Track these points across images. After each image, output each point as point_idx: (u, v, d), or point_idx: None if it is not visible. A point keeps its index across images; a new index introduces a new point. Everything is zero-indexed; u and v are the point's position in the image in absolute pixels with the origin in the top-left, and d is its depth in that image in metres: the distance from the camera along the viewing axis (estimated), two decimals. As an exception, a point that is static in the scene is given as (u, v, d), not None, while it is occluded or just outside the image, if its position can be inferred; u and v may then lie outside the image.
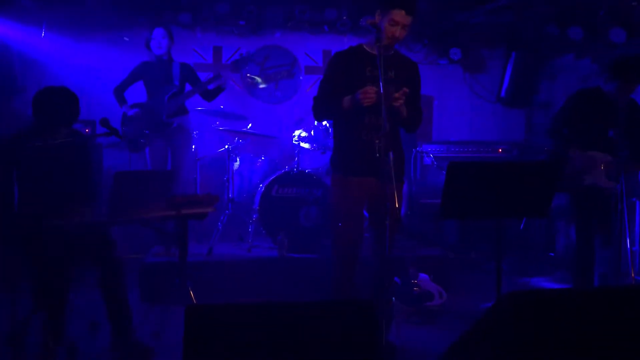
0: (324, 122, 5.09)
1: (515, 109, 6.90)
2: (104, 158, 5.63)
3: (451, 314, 4.14)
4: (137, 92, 5.21)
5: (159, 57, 5.00)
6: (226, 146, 5.37)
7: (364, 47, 3.36)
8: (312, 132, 5.18)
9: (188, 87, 5.11)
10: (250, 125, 5.69)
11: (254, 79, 5.35)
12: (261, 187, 5.08)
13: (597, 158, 3.88)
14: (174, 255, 4.48)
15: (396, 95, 3.09)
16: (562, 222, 5.77)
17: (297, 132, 5.25)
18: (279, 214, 4.92)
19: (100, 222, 3.15)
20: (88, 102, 3.31)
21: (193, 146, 5.47)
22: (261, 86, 5.02)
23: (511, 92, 6.57)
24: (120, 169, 5.12)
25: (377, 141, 2.98)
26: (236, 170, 5.52)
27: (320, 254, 4.79)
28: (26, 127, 3.38)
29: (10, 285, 3.07)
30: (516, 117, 7.03)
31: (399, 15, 3.14)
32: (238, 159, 5.55)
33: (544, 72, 6.64)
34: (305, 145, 5.21)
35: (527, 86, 6.61)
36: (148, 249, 4.96)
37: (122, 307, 3.29)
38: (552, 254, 5.77)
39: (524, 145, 6.34)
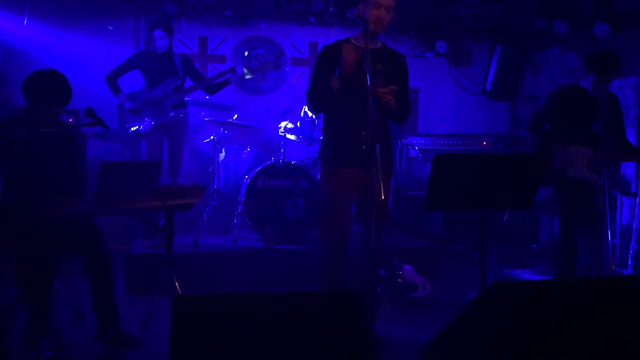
0: (311, 114, 5.09)
1: (500, 101, 6.94)
2: (94, 148, 5.58)
3: (435, 305, 4.19)
4: (128, 81, 5.17)
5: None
6: (212, 137, 5.35)
7: (352, 40, 3.36)
8: (298, 124, 5.18)
9: (188, 80, 5.09)
10: (236, 116, 5.67)
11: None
12: (247, 179, 5.07)
13: (579, 151, 3.94)
14: (159, 246, 4.47)
15: (384, 90, 3.09)
16: (545, 215, 5.84)
17: (283, 124, 5.24)
18: (265, 205, 4.91)
19: (85, 212, 3.13)
20: (72, 91, 3.28)
21: None
22: (247, 77, 5.00)
23: (496, 85, 6.60)
24: (112, 159, 5.09)
25: (364, 133, 2.99)
26: (222, 161, 5.50)
27: (306, 246, 4.80)
28: (10, 116, 3.35)
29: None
30: (501, 109, 7.08)
31: None
32: (224, 150, 5.53)
33: (529, 65, 6.69)
34: (291, 137, 5.20)
35: (512, 79, 6.65)
36: (133, 240, 4.94)
37: (108, 297, 3.28)
38: (535, 246, 5.84)
39: (508, 138, 6.40)
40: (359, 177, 3.27)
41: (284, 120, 5.26)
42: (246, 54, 4.95)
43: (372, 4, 3.16)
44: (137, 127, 4.94)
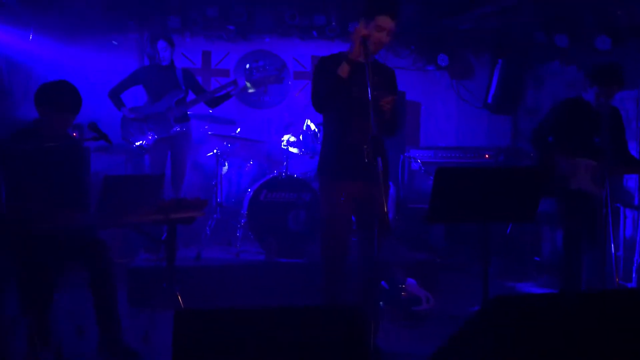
0: (312, 126, 5.11)
1: (501, 114, 6.96)
2: (96, 162, 5.61)
3: (438, 318, 4.17)
4: (132, 96, 5.20)
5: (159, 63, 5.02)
6: (215, 150, 5.37)
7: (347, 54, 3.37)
8: (301, 137, 5.20)
9: (190, 93, 5.12)
10: (239, 129, 5.69)
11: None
12: (250, 192, 5.08)
13: (582, 163, 3.94)
14: (161, 260, 4.47)
15: (386, 100, 3.11)
16: (548, 227, 5.82)
17: (285, 137, 5.26)
18: (267, 218, 4.92)
19: (88, 225, 3.13)
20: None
21: None
22: (250, 91, 5.04)
23: (498, 98, 6.62)
24: (115, 173, 5.11)
25: (365, 147, 3.00)
26: (225, 174, 5.52)
27: (309, 259, 4.79)
28: (16, 130, 3.37)
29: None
30: (503, 122, 7.09)
31: (384, 21, 3.18)
32: (227, 164, 5.55)
33: (531, 78, 6.71)
34: (294, 150, 5.22)
35: (514, 92, 6.66)
36: (136, 253, 4.94)
37: (112, 310, 3.27)
38: (538, 259, 5.82)
39: (510, 151, 6.40)
40: (358, 189, 3.28)
41: (287, 134, 5.28)
42: (248, 66, 5.00)
43: (375, 27, 3.18)
44: (140, 141, 4.97)
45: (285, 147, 5.23)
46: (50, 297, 3.14)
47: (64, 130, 3.36)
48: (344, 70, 3.18)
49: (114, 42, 6.15)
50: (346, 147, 3.30)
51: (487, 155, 6.18)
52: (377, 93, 3.08)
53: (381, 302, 4.21)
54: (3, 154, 3.08)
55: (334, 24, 6.07)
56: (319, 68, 3.37)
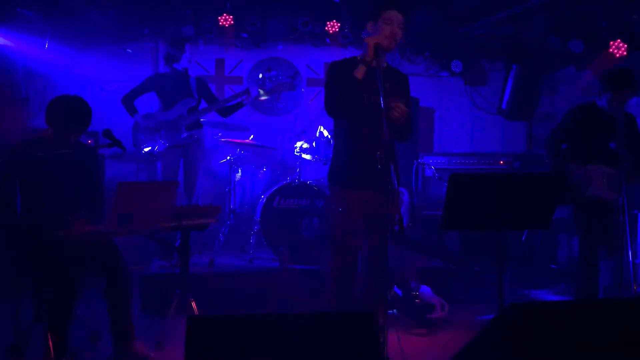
0: (325, 132, 5.11)
1: (516, 121, 6.92)
2: (109, 169, 5.66)
3: (453, 326, 4.13)
4: (145, 103, 5.24)
5: (175, 70, 5.04)
6: (228, 157, 5.39)
7: (359, 59, 3.37)
8: (314, 144, 5.20)
9: (203, 102, 5.16)
10: (252, 136, 5.71)
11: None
12: (263, 198, 5.08)
13: (598, 170, 3.90)
14: (175, 267, 4.49)
15: (399, 107, 3.10)
16: (564, 234, 5.76)
17: (298, 144, 5.26)
18: (280, 225, 4.92)
19: (102, 232, 3.15)
20: (91, 117, 3.36)
21: None
22: (263, 98, 5.06)
23: (512, 104, 6.59)
24: (127, 180, 5.15)
25: (378, 153, 2.99)
26: (238, 181, 5.53)
27: (322, 266, 4.78)
28: (30, 137, 3.41)
29: (13, 295, 3.06)
30: (517, 128, 7.06)
31: (391, 14, 3.18)
32: (240, 170, 5.56)
33: (545, 84, 6.67)
34: (307, 157, 5.22)
35: (528, 98, 6.63)
36: (150, 260, 4.96)
37: (126, 317, 3.29)
38: (554, 266, 5.76)
39: (525, 157, 6.35)
40: (369, 197, 3.26)
41: (300, 141, 5.28)
42: (260, 76, 5.02)
43: (384, 21, 3.19)
44: (150, 147, 4.99)
45: (298, 154, 5.23)
46: (71, 306, 3.14)
47: (74, 141, 3.39)
48: (360, 71, 3.18)
49: (128, 50, 6.21)
50: (358, 154, 3.29)
51: (501, 162, 6.14)
52: (389, 100, 3.07)
53: (395, 310, 4.18)
54: (18, 162, 3.11)
55: (346, 30, 6.09)
56: (332, 72, 3.37)
